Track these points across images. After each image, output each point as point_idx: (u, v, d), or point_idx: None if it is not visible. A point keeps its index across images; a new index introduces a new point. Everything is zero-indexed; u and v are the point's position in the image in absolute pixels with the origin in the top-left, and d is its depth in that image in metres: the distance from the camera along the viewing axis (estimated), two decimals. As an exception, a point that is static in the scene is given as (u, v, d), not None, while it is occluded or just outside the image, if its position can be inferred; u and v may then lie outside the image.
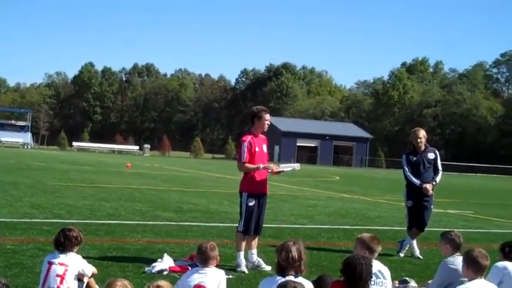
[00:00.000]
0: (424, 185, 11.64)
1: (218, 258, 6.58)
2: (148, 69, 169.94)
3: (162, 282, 4.78)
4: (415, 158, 11.82)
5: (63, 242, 6.85)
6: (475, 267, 6.29)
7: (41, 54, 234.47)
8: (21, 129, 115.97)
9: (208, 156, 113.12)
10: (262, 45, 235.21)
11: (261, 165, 9.75)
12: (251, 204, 9.65)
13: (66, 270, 6.70)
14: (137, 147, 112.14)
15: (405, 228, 12.17)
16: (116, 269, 8.77)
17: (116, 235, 12.00)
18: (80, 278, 6.82)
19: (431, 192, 11.74)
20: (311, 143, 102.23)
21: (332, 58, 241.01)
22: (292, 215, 17.50)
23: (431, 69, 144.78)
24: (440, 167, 11.96)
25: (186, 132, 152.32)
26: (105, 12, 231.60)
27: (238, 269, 9.35)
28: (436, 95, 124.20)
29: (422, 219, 11.79)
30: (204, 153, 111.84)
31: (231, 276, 8.55)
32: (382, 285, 6.52)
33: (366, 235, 6.95)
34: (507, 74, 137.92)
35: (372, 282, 6.33)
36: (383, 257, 9.34)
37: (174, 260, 9.30)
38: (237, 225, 9.99)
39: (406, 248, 11.71)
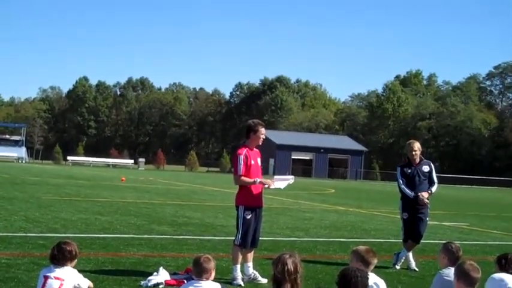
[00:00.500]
0: (419, 194, 11.64)
1: (214, 271, 6.56)
2: (143, 83, 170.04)
3: None
4: (409, 171, 11.84)
5: (59, 256, 6.84)
6: (466, 280, 6.27)
7: (35, 69, 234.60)
8: (16, 143, 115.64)
9: (203, 169, 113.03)
10: (257, 59, 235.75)
11: (258, 180, 9.76)
12: (248, 217, 9.65)
13: (61, 284, 6.67)
14: (132, 161, 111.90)
15: (401, 241, 12.17)
16: (112, 283, 8.75)
17: (111, 249, 11.97)
18: (75, 292, 6.80)
19: (427, 200, 11.74)
20: (306, 156, 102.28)
21: (326, 71, 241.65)
22: (287, 228, 17.48)
23: (424, 82, 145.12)
24: (435, 180, 11.99)
25: (180, 146, 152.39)
26: (99, 26, 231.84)
27: (235, 282, 9.34)
28: (430, 107, 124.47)
29: (417, 231, 11.80)
30: (199, 166, 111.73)
31: (227, 290, 8.55)
32: (378, 298, 6.53)
33: (361, 247, 6.96)
34: (500, 86, 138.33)
35: (368, 295, 6.33)
36: (379, 270, 9.35)
37: (170, 274, 9.28)
38: (232, 238, 9.98)
39: (402, 260, 11.70)
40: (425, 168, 11.88)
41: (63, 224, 15.50)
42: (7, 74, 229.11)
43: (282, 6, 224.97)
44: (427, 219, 12.01)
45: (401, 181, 11.86)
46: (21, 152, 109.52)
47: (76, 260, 6.99)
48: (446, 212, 27.53)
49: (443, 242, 8.01)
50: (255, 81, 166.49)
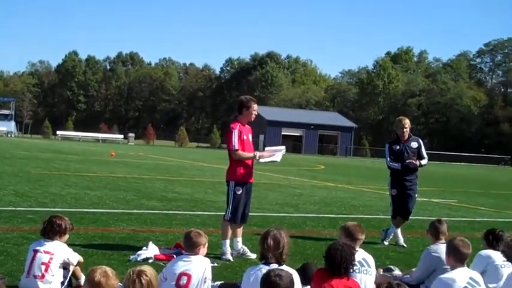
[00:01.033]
0: (408, 161, 11.65)
1: (205, 246, 6.58)
2: (133, 58, 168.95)
3: (145, 267, 4.78)
4: (398, 147, 11.84)
5: (48, 229, 6.86)
6: (456, 256, 6.33)
7: (24, 42, 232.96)
8: (5, 117, 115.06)
9: (193, 145, 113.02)
10: (247, 34, 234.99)
11: (257, 153, 9.81)
12: (239, 192, 9.68)
13: (51, 258, 6.70)
14: (122, 136, 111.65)
15: (389, 217, 12.23)
16: (101, 258, 8.77)
17: (100, 223, 11.98)
18: (65, 266, 6.82)
19: (416, 163, 11.72)
20: (296, 132, 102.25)
21: (316, 47, 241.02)
22: (277, 204, 17.54)
23: (415, 59, 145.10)
24: (425, 155, 12.01)
25: (170, 121, 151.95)
26: (90, 0, 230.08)
27: (224, 257, 9.39)
28: (420, 84, 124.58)
29: (406, 207, 11.85)
30: (188, 142, 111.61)
31: (216, 264, 8.59)
32: (366, 273, 6.60)
33: (349, 223, 7.01)
34: (490, 63, 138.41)
35: (357, 270, 6.40)
36: (367, 245, 9.40)
37: (159, 248, 9.30)
38: (222, 213, 10.01)
39: (391, 237, 11.76)
40: (414, 145, 11.89)
41: (52, 199, 15.48)
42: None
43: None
44: (416, 195, 12.06)
45: (389, 158, 11.88)
46: (10, 126, 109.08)
47: (67, 235, 7.00)
48: (434, 188, 27.66)
49: (432, 218, 8.08)
50: (246, 56, 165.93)
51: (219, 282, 7.34)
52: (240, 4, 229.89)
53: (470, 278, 6.14)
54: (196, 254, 6.49)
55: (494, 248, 7.28)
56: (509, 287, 6.63)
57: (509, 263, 7.07)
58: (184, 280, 6.28)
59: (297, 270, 6.31)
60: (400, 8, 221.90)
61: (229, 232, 9.68)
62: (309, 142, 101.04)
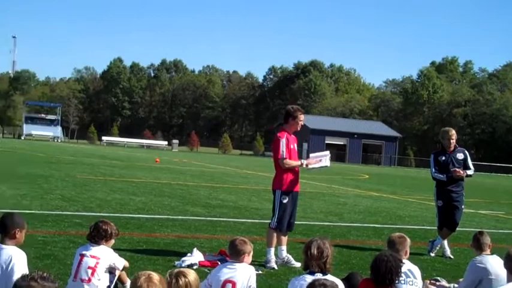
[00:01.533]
0: (453, 169, 11.46)
1: (250, 254, 6.53)
2: (176, 65, 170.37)
3: (185, 270, 4.75)
4: (443, 158, 11.68)
5: (95, 234, 6.88)
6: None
7: (70, 49, 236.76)
8: (51, 122, 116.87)
9: (237, 152, 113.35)
10: (290, 43, 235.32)
11: (304, 161, 9.80)
12: (285, 201, 9.68)
13: (97, 262, 6.72)
14: (166, 143, 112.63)
15: (435, 228, 12.05)
16: (146, 263, 8.81)
17: (145, 229, 12.05)
18: (111, 271, 6.83)
19: (461, 172, 11.52)
20: (340, 141, 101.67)
21: (360, 56, 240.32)
22: (321, 213, 17.44)
23: (460, 69, 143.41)
24: (471, 166, 11.81)
25: (214, 128, 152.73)
26: (134, 8, 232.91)
27: (268, 265, 9.35)
28: (465, 94, 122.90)
29: (453, 219, 11.66)
30: (232, 149, 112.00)
31: (260, 272, 8.55)
32: (412, 285, 6.49)
33: (395, 235, 6.92)
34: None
35: (403, 281, 6.30)
36: (414, 256, 9.28)
37: (204, 255, 9.30)
38: (266, 221, 9.98)
39: (437, 248, 11.59)
40: (460, 156, 11.71)
41: (98, 204, 15.64)
42: (42, 54, 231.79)
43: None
44: (463, 207, 11.88)
45: (434, 169, 11.73)
46: (57, 131, 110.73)
47: (113, 240, 7.02)
48: (481, 200, 27.23)
49: (479, 230, 7.95)
50: (289, 65, 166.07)
51: (264, 291, 7.29)
52: (284, 13, 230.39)
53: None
54: (241, 262, 6.45)
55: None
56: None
57: None
58: (229, 287, 6.25)
59: (342, 280, 6.24)
60: (445, 17, 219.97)
61: (275, 240, 9.65)
62: (352, 151, 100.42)
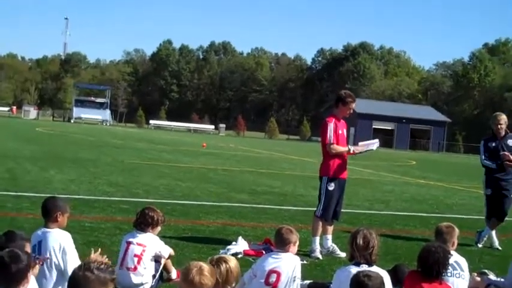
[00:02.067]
0: (502, 153, 11.18)
1: (295, 243, 6.48)
2: (225, 48, 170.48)
3: (226, 256, 4.76)
4: (494, 144, 11.41)
5: (141, 221, 6.91)
6: None
7: (120, 31, 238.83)
8: (101, 106, 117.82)
9: (283, 137, 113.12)
10: (340, 25, 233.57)
11: (351, 147, 9.72)
12: (331, 188, 9.54)
13: (143, 250, 6.76)
14: (213, 127, 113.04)
15: (484, 218, 11.82)
16: (191, 250, 8.85)
17: (191, 216, 12.11)
18: (157, 259, 6.87)
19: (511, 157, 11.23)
20: (387, 126, 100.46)
21: (410, 38, 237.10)
22: (367, 200, 17.29)
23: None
24: (523, 153, 11.54)
25: (261, 112, 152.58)
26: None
27: (313, 255, 9.29)
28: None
29: (502, 209, 11.43)
30: (278, 134, 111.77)
31: (305, 262, 8.50)
32: (459, 277, 6.39)
33: (443, 224, 6.82)
34: None
35: (449, 274, 6.20)
36: (461, 248, 9.11)
37: (249, 244, 9.32)
38: (312, 209, 9.91)
39: (485, 239, 11.39)
40: (511, 142, 11.43)
41: (145, 190, 15.76)
42: (93, 36, 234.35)
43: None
44: (512, 196, 11.62)
45: (483, 156, 11.50)
46: (106, 114, 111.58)
47: (159, 228, 7.03)
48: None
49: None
50: (338, 47, 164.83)
51: (308, 281, 7.24)
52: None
53: None
54: (287, 251, 6.42)
55: None
56: None
57: None
58: (273, 278, 6.23)
59: (388, 271, 6.18)
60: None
61: (320, 229, 9.55)
62: (400, 136, 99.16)
